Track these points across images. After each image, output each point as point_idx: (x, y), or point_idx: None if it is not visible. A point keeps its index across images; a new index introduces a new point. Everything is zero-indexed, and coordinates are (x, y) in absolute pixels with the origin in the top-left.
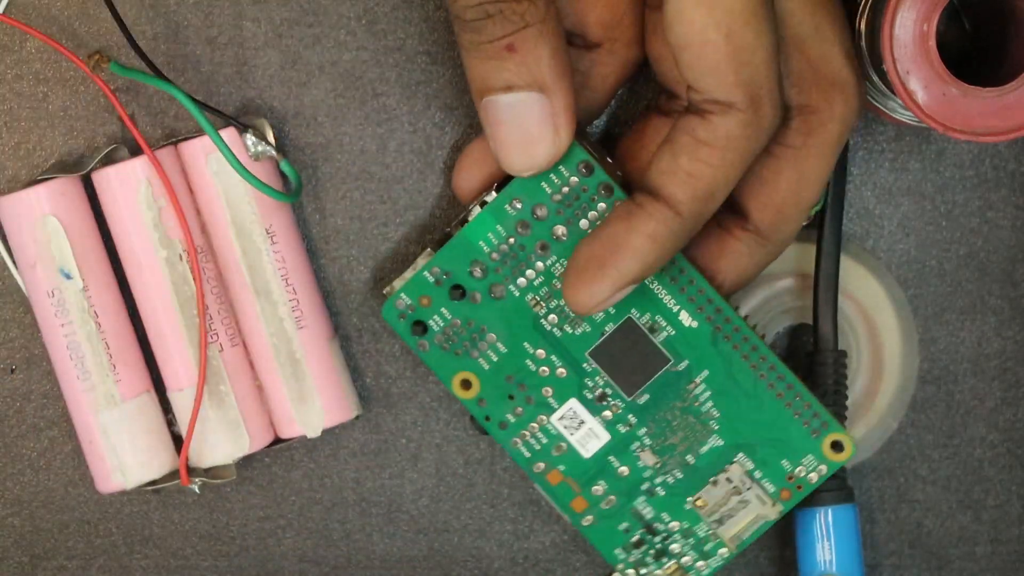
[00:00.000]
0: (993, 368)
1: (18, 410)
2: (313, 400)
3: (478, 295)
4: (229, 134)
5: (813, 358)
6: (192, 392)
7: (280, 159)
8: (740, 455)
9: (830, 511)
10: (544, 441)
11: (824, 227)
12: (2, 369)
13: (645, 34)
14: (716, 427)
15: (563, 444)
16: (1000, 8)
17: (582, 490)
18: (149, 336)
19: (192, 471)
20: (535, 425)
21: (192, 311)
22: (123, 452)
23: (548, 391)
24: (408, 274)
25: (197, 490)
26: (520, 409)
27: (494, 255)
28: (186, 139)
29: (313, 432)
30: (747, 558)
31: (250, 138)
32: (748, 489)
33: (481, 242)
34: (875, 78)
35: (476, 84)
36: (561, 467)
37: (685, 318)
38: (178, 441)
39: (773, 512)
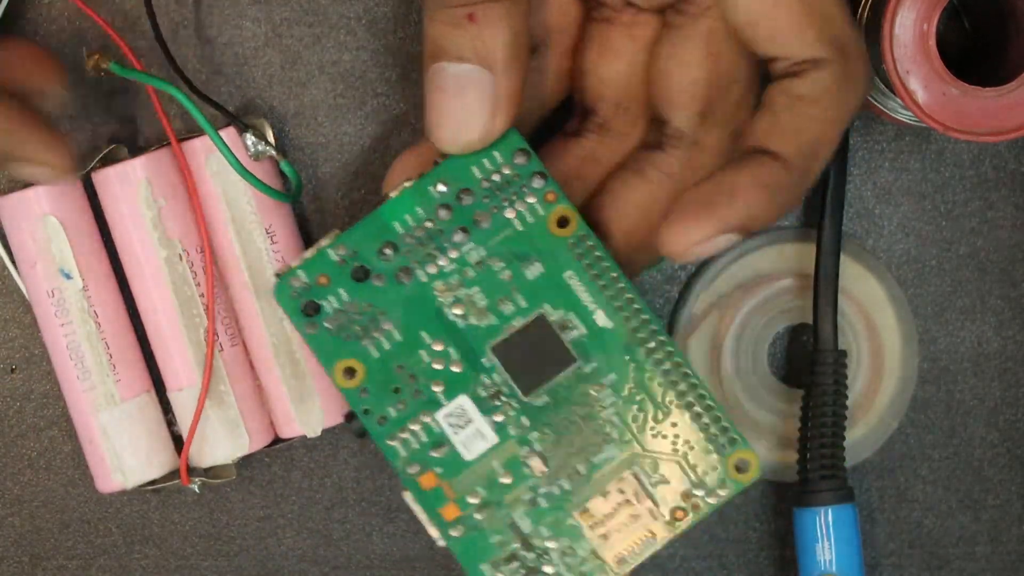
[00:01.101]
0: (993, 368)
1: (18, 410)
2: (313, 400)
3: (382, 278)
4: (229, 134)
5: (813, 358)
6: (192, 392)
7: (280, 159)
8: (636, 467)
9: (830, 511)
10: (424, 440)
11: (824, 227)
12: (2, 369)
13: (581, 44)
14: (615, 436)
15: (444, 445)
16: (1000, 8)
17: (456, 496)
18: (149, 336)
19: (192, 471)
20: (418, 422)
21: (192, 311)
22: (123, 452)
23: (438, 386)
24: (309, 253)
25: (197, 490)
26: (404, 404)
27: (408, 237)
28: (186, 139)
29: (313, 432)
30: (747, 558)
31: (250, 138)
32: (640, 503)
33: (396, 223)
34: (875, 78)
35: (429, 47)
36: (438, 469)
37: (600, 318)
38: (178, 441)
39: (665, 532)
